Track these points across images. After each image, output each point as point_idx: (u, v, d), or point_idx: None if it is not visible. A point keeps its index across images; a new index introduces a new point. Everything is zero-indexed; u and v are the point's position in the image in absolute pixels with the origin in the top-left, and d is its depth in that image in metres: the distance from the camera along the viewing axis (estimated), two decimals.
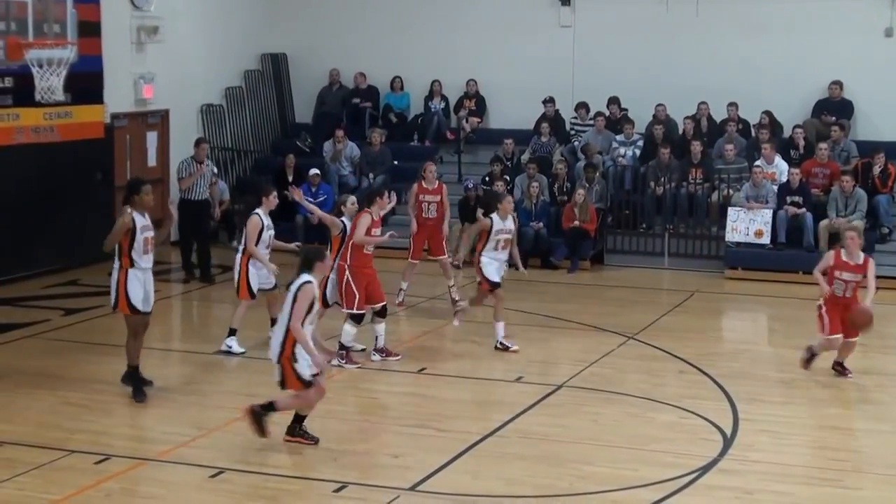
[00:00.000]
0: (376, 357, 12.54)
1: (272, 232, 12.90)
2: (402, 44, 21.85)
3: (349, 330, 12.28)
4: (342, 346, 12.26)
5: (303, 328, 9.35)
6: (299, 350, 9.42)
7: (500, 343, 13.06)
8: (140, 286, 10.95)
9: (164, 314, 15.62)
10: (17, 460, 9.40)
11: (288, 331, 9.40)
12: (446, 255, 15.31)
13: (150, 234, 11.00)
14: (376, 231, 12.41)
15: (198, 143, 17.25)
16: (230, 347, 12.81)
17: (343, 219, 12.64)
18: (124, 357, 11.28)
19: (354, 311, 12.24)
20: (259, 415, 9.59)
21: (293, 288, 9.41)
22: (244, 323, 12.90)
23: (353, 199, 12.99)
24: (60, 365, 12.38)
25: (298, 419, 9.85)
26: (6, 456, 9.53)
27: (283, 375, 9.54)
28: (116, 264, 10.92)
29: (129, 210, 10.83)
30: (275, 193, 13.17)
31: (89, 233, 16.70)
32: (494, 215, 13.04)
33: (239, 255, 12.86)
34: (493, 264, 13.03)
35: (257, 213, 12.82)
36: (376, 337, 12.54)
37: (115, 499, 8.65)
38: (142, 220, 10.87)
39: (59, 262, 17.10)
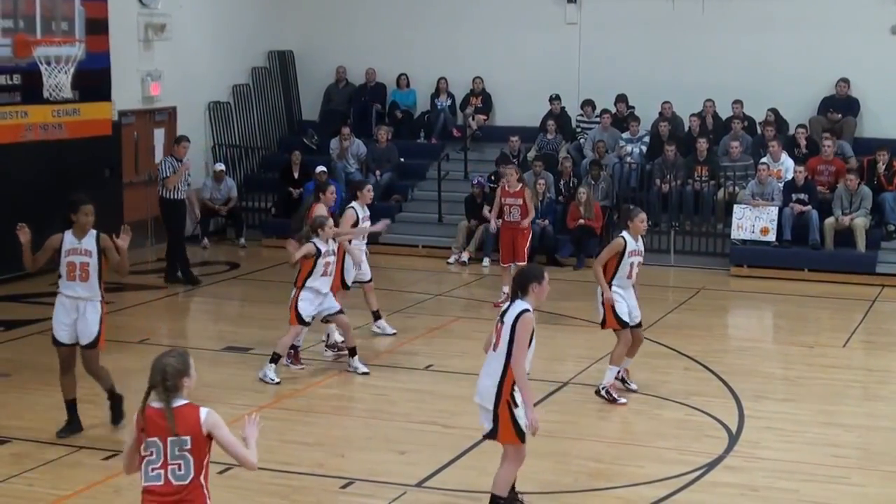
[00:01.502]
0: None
1: (368, 223, 13.10)
2: (408, 41, 21.88)
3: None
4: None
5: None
6: (517, 394, 7.78)
7: (605, 392, 11.04)
8: (64, 314, 9.76)
9: (170, 311, 15.72)
10: (27, 456, 9.46)
11: (507, 369, 7.75)
12: (522, 263, 14.70)
13: (83, 259, 9.71)
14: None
15: (178, 140, 16.95)
16: (384, 329, 13.23)
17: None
18: (134, 353, 11.32)
19: None
20: None
21: (509, 318, 7.78)
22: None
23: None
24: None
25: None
26: (15, 451, 9.60)
27: (497, 424, 7.84)
28: None
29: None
30: (369, 187, 13.33)
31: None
32: (626, 234, 11.07)
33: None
34: (622, 303, 10.98)
35: (352, 207, 12.96)
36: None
37: (124, 495, 8.69)
38: (72, 243, 9.69)
39: None
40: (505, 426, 7.77)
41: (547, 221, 18.50)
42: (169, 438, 5.71)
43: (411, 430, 10.31)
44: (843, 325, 14.63)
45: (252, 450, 5.90)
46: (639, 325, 11.28)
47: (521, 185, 15.28)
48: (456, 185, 20.14)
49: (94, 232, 9.76)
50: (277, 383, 11.55)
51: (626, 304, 10.99)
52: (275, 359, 11.66)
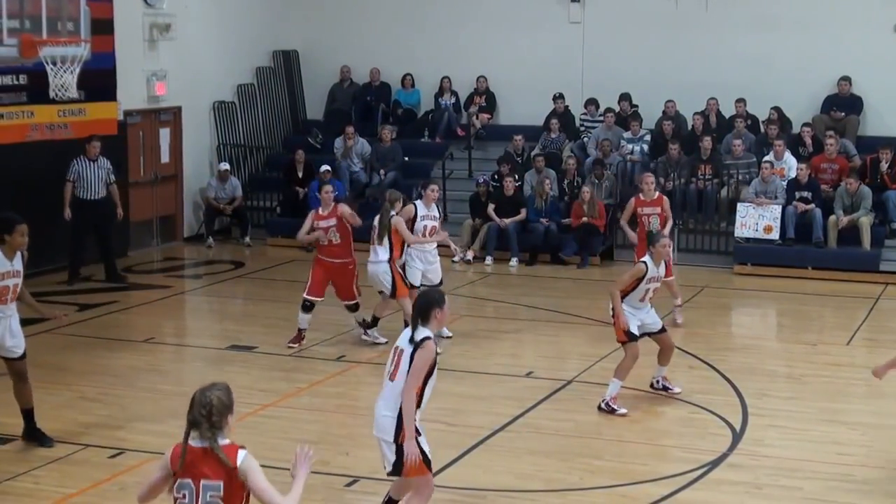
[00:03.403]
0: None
1: (426, 223, 13.20)
2: (412, 41, 21.91)
3: (301, 315, 12.91)
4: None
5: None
6: (419, 424, 7.37)
7: (606, 405, 10.80)
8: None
9: (175, 310, 15.75)
10: (33, 454, 9.50)
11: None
12: (673, 276, 13.93)
13: (14, 281, 9.46)
14: (322, 223, 12.87)
15: (89, 140, 16.47)
16: (377, 338, 13.10)
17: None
18: (139, 352, 11.36)
19: (304, 296, 12.83)
20: None
21: (408, 346, 7.31)
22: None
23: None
24: (75, 360, 12.48)
25: None
26: (22, 450, 9.62)
27: (402, 458, 7.31)
28: None
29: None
30: (434, 187, 13.58)
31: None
32: (648, 259, 10.86)
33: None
34: (632, 318, 10.80)
35: (414, 204, 13.20)
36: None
37: (130, 492, 8.66)
38: (3, 266, 9.35)
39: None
40: (415, 463, 7.31)
41: (549, 220, 18.57)
42: (201, 481, 5.29)
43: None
44: (846, 323, 14.65)
45: (295, 491, 5.40)
46: (662, 329, 11.16)
47: (658, 192, 14.60)
48: (460, 183, 20.17)
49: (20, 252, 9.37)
50: (384, 342, 12.71)
51: (637, 317, 10.83)
52: (374, 323, 12.98)
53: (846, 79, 19.55)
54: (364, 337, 13.20)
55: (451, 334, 13.28)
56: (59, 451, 9.51)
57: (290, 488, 5.41)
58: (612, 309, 10.80)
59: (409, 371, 7.22)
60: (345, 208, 13.03)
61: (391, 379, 7.33)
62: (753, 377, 12.06)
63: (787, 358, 13.32)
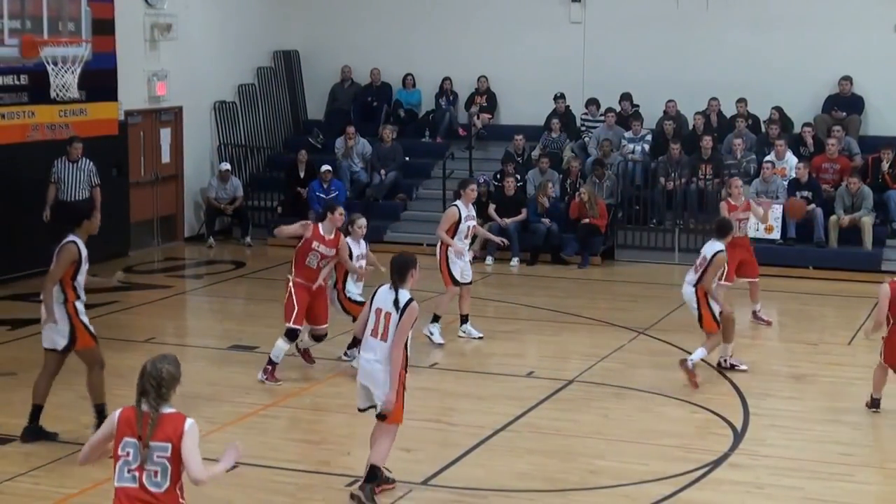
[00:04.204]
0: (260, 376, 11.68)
1: (469, 223, 13.20)
2: (413, 41, 21.91)
3: (281, 345, 11.55)
4: (269, 361, 11.56)
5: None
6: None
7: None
8: None
9: (176, 310, 15.75)
10: (33, 454, 9.50)
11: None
12: (756, 278, 14.37)
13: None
14: (322, 248, 11.58)
15: (70, 141, 16.24)
16: (431, 334, 13.09)
17: (348, 240, 11.89)
18: (140, 352, 11.35)
19: (290, 326, 11.54)
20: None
21: (392, 307, 8.19)
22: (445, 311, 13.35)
23: (363, 221, 12.13)
24: (76, 360, 12.42)
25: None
26: (23, 450, 9.63)
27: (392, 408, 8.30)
28: None
29: None
30: (473, 186, 13.45)
31: (104, 229, 16.81)
32: (720, 242, 11.79)
33: (437, 245, 13.18)
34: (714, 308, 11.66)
35: (455, 205, 13.15)
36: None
37: None
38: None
39: None
40: (398, 409, 8.32)
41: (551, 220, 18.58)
42: (151, 443, 5.67)
43: (416, 428, 10.30)
44: (847, 323, 14.62)
45: (212, 469, 5.75)
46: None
47: (745, 198, 14.40)
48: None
49: None
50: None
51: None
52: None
53: (847, 78, 19.54)
54: (344, 357, 12.33)
55: (481, 334, 13.52)
56: (59, 452, 9.51)
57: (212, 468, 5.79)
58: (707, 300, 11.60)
59: (397, 330, 8.10)
60: (369, 255, 12.19)
61: (382, 339, 8.19)
62: (755, 377, 12.05)
63: (789, 358, 13.31)
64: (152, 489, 5.68)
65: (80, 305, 9.78)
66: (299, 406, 11.01)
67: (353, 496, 8.49)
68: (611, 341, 13.44)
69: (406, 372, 8.31)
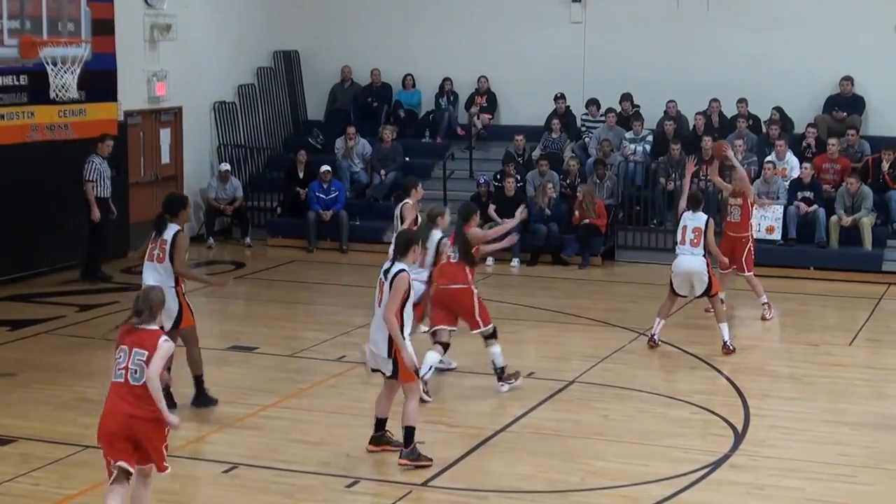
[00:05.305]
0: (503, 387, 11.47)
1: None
2: (413, 41, 21.89)
3: (496, 350, 11.36)
4: (497, 368, 11.37)
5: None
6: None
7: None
8: None
9: None
10: (33, 455, 9.48)
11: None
12: (752, 272, 14.65)
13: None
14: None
15: (102, 139, 16.58)
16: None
17: (437, 231, 11.25)
18: None
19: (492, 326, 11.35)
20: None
21: (387, 276, 8.99)
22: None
23: (447, 211, 11.59)
24: (75, 361, 12.47)
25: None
26: (22, 451, 9.61)
27: (397, 367, 9.03)
28: None
29: None
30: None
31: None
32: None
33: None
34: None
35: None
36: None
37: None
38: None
39: (74, 258, 17.18)
40: (403, 367, 8.96)
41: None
42: (135, 349, 7.36)
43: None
44: (848, 324, 14.63)
45: (154, 383, 7.30)
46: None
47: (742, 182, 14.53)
48: (461, 184, 20.13)
49: None
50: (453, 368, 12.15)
51: None
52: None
53: (848, 79, 19.52)
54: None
55: (456, 364, 12.30)
56: (58, 453, 9.49)
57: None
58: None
59: (389, 297, 8.87)
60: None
61: (379, 305, 9.04)
62: (755, 378, 12.04)
63: (789, 358, 13.30)
64: (133, 382, 7.37)
65: (185, 288, 10.56)
66: (299, 407, 10.99)
67: (400, 464, 9.14)
68: (611, 342, 13.42)
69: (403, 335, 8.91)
